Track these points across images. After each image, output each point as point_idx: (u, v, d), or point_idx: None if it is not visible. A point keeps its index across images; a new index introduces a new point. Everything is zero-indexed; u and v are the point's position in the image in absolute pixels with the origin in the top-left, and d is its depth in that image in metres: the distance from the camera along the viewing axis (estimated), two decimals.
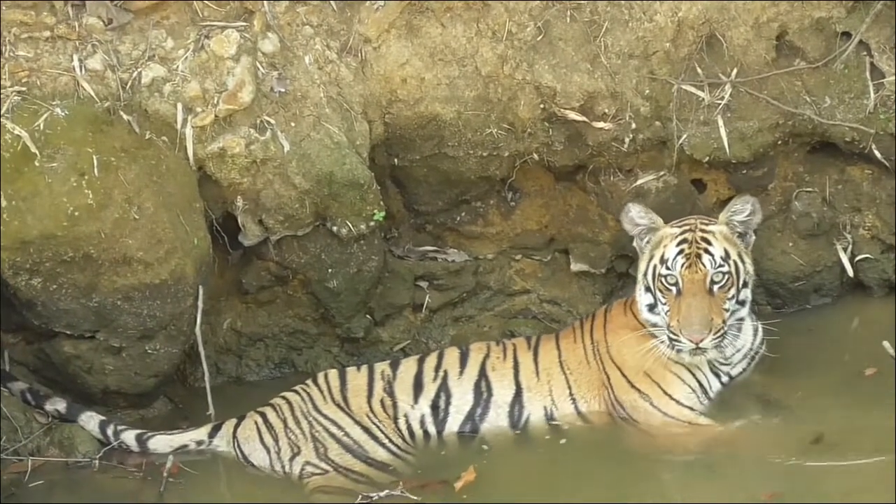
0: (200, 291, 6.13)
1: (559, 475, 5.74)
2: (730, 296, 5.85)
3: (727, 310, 5.84)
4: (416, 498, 5.50)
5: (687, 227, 5.94)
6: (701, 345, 5.77)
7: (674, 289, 5.85)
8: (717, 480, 5.53)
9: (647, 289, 5.95)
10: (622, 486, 5.58)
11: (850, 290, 6.72)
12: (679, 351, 5.83)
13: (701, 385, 5.96)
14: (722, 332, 5.80)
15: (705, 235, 5.89)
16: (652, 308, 5.94)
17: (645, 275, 5.96)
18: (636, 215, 6.01)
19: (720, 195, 6.62)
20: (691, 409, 5.91)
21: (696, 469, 5.67)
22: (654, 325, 5.94)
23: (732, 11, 6.32)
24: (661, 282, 5.87)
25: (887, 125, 6.32)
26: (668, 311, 5.85)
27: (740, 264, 5.91)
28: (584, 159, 6.46)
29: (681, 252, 5.86)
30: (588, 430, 5.98)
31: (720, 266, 5.84)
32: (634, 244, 6.07)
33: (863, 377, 6.02)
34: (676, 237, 5.91)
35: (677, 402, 5.92)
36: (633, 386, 5.95)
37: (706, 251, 5.85)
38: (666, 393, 5.93)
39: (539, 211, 6.72)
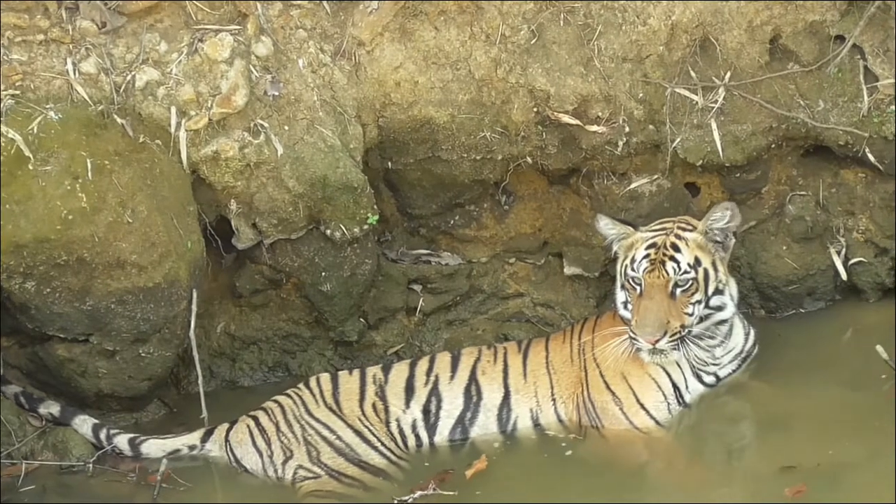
0: (194, 295, 6.13)
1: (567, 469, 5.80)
2: (693, 300, 5.89)
3: (689, 314, 5.89)
4: (451, 493, 5.53)
5: (661, 232, 5.99)
6: (657, 346, 5.83)
7: (638, 288, 5.92)
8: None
9: (622, 288, 6.02)
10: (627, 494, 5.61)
11: (843, 294, 6.73)
12: (639, 349, 5.88)
13: (676, 389, 5.99)
14: (679, 335, 5.86)
15: (676, 242, 5.94)
16: (625, 305, 6.01)
17: (620, 274, 6.03)
18: (604, 227, 6.10)
19: (714, 198, 6.61)
20: (656, 421, 5.94)
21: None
22: (627, 321, 6.00)
23: (726, 15, 6.32)
24: (629, 282, 5.95)
25: (881, 128, 6.33)
26: (631, 309, 5.94)
27: (711, 272, 5.94)
28: (578, 163, 6.45)
29: (647, 256, 5.92)
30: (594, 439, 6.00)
31: (685, 272, 5.89)
32: (613, 247, 6.13)
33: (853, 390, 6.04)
34: (647, 241, 5.97)
35: (647, 411, 5.95)
36: (608, 388, 5.99)
37: (672, 258, 5.90)
38: (638, 401, 5.96)
39: (533, 214, 6.72)
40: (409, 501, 5.50)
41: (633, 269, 5.93)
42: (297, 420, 5.97)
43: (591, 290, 6.80)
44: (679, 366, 5.98)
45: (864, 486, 5.27)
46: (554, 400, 6.05)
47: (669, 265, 5.88)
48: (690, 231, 5.99)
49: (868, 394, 5.95)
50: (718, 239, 6.02)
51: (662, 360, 5.90)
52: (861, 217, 6.60)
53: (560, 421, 6.03)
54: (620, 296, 6.01)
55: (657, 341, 5.81)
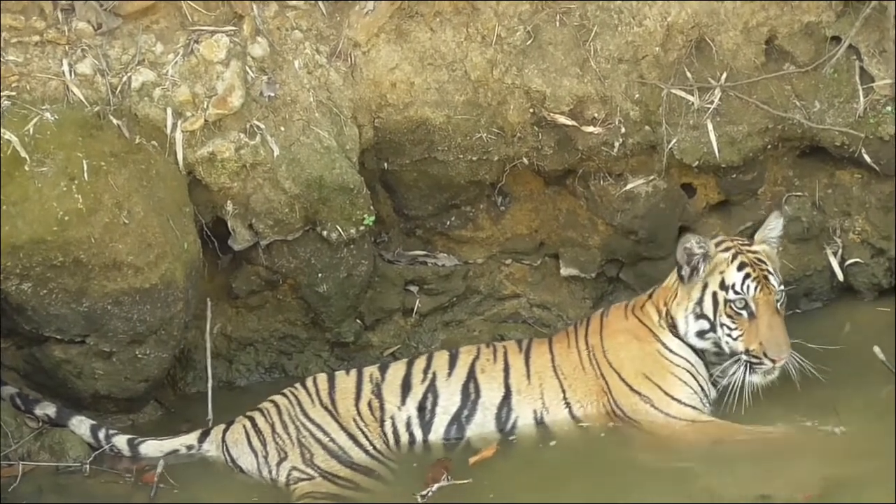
0: (209, 302, 6.29)
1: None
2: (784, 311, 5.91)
3: None
4: (465, 480, 5.56)
5: (735, 250, 5.94)
6: (778, 364, 5.81)
7: (744, 313, 5.84)
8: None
9: (700, 316, 5.91)
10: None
11: (840, 295, 6.74)
12: (754, 373, 5.83)
13: (702, 388, 5.96)
14: None
15: (758, 256, 5.91)
16: (703, 334, 5.92)
17: (699, 303, 5.91)
18: (695, 246, 5.92)
19: (710, 199, 6.63)
20: (694, 407, 5.90)
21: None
22: (703, 351, 5.95)
23: (722, 15, 6.33)
24: (731, 307, 5.85)
25: (877, 129, 6.34)
26: (740, 336, 5.85)
27: (781, 279, 5.96)
28: (574, 163, 6.46)
29: (748, 276, 5.84)
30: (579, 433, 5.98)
31: (780, 284, 5.89)
32: (681, 273, 5.96)
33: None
34: (731, 261, 5.89)
35: (679, 401, 5.90)
36: (633, 390, 5.93)
37: (769, 272, 5.87)
38: (667, 394, 5.91)
39: (529, 215, 6.73)
40: (429, 495, 5.51)
41: (735, 292, 5.83)
42: (293, 421, 5.97)
43: (588, 290, 6.80)
44: (699, 371, 5.96)
45: (863, 487, 5.25)
46: (568, 404, 5.98)
47: (772, 279, 5.86)
48: (756, 244, 5.98)
49: (866, 395, 5.94)
50: (776, 247, 6.04)
51: (771, 378, 5.86)
52: (857, 218, 6.61)
53: (576, 422, 5.97)
54: (696, 325, 5.91)
55: (783, 359, 5.78)
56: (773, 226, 6.04)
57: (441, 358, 6.17)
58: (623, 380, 5.96)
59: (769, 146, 6.44)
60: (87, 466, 6.02)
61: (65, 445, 6.05)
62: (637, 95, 6.32)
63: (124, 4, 6.11)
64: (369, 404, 6.03)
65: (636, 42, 6.30)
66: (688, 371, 5.94)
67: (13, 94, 5.97)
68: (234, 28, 6.20)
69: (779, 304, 5.86)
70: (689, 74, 6.34)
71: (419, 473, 5.70)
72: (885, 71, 6.32)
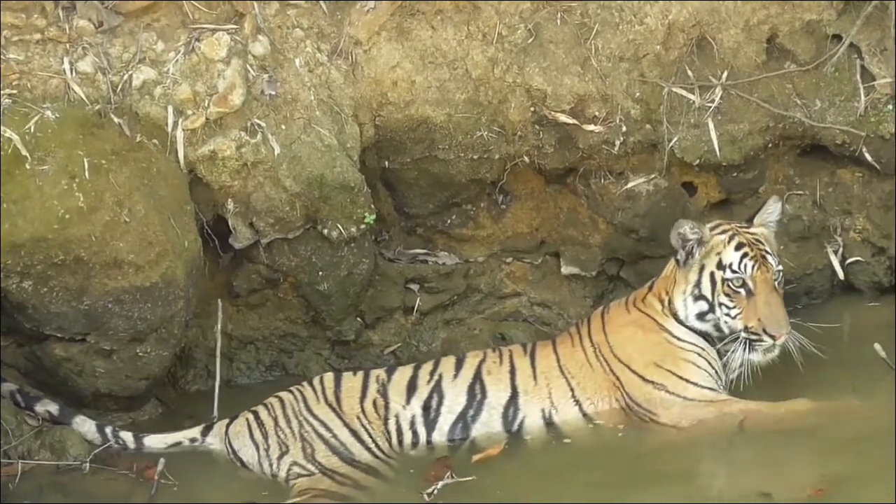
0: (220, 303, 6.29)
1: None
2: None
3: None
4: (469, 477, 5.56)
5: (732, 231, 5.97)
6: (778, 342, 5.82)
7: (742, 291, 5.87)
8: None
9: (699, 297, 5.93)
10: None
11: (840, 293, 6.74)
12: (754, 352, 5.84)
13: (716, 371, 5.95)
14: None
15: (756, 237, 5.95)
16: (703, 316, 5.94)
17: (697, 285, 5.94)
18: (689, 232, 5.95)
19: (711, 198, 6.64)
20: (711, 388, 5.89)
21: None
22: (704, 334, 5.96)
23: (723, 14, 6.34)
24: (728, 286, 5.88)
25: (878, 128, 6.34)
26: (739, 314, 5.88)
27: (779, 260, 5.98)
28: (575, 162, 6.46)
29: (745, 255, 5.88)
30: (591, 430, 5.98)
31: (778, 265, 5.93)
32: (677, 257, 6.00)
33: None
34: (729, 242, 5.92)
35: (695, 384, 5.89)
36: (645, 380, 5.91)
37: (767, 252, 5.91)
38: (682, 378, 5.89)
39: (530, 214, 6.73)
40: (434, 493, 5.50)
41: (732, 271, 5.87)
42: (296, 416, 5.97)
43: (588, 289, 6.80)
44: (711, 355, 5.95)
45: (864, 486, 5.24)
46: (578, 402, 5.96)
47: (770, 258, 5.90)
48: (755, 227, 6.02)
49: (866, 393, 5.93)
50: (775, 230, 6.07)
51: (771, 357, 5.87)
52: (858, 216, 6.62)
53: (587, 419, 5.96)
54: (695, 307, 5.94)
55: (783, 336, 5.80)
56: (772, 210, 6.08)
57: (448, 362, 6.16)
58: (634, 372, 5.94)
59: (770, 145, 6.44)
60: (88, 464, 6.00)
61: (65, 443, 6.03)
62: (638, 94, 6.32)
63: (125, 3, 6.12)
64: (374, 403, 6.03)
65: (637, 40, 6.31)
66: (699, 355, 5.95)
67: (14, 92, 5.97)
68: (235, 26, 6.20)
69: (777, 283, 5.89)
70: (690, 73, 6.34)
71: (421, 475, 5.70)
72: (885, 69, 6.33)
